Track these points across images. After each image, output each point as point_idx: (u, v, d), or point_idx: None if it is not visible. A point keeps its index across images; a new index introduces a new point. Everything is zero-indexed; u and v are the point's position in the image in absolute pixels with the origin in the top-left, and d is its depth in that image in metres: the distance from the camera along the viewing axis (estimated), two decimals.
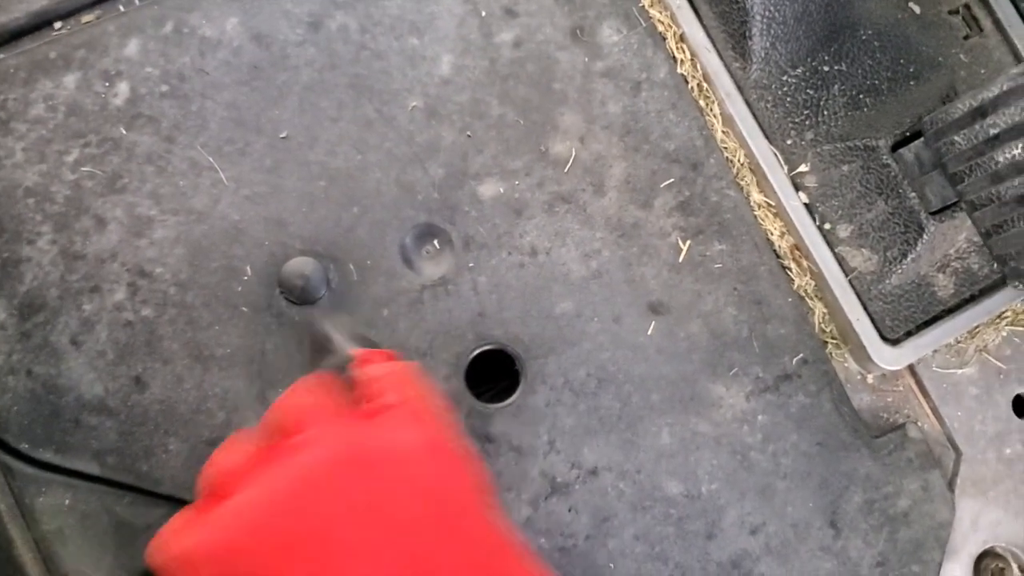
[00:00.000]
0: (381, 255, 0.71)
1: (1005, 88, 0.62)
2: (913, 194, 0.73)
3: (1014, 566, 0.74)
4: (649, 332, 0.73)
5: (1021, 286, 0.66)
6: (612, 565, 0.69)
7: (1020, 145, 0.62)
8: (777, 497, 0.72)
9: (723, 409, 0.73)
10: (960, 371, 0.76)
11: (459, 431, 0.67)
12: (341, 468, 0.39)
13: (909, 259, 0.74)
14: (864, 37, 0.80)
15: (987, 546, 0.74)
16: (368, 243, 0.71)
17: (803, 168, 0.77)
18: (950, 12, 0.84)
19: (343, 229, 0.71)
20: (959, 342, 0.77)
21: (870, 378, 0.76)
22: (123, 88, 0.71)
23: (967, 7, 0.84)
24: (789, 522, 0.72)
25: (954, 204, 0.72)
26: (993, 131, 0.63)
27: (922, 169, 0.72)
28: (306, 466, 0.39)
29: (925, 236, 0.73)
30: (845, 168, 0.76)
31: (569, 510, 0.70)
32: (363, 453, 0.40)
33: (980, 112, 0.64)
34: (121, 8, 0.74)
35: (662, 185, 0.75)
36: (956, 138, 0.66)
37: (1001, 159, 0.63)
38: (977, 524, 0.74)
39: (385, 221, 0.72)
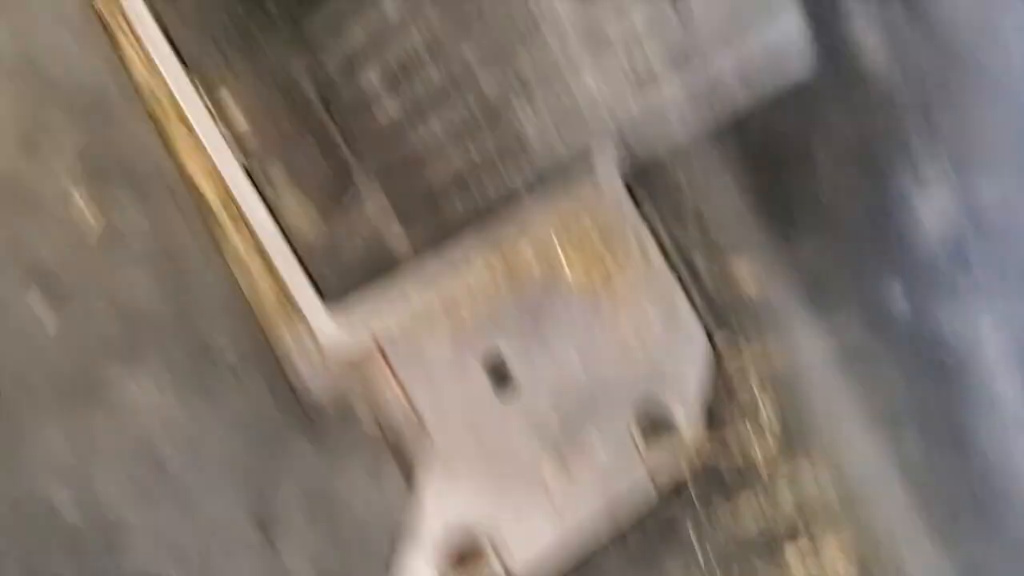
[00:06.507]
0: None
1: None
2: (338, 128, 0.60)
3: (490, 551, 0.66)
4: (43, 319, 0.61)
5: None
6: None
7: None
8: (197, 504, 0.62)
9: (132, 404, 0.61)
10: (431, 339, 0.65)
11: None
12: None
13: (352, 208, 0.62)
14: None
15: (457, 530, 0.65)
16: None
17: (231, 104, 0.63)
18: None
19: None
20: (429, 306, 0.65)
21: (328, 355, 0.65)
22: None
23: None
24: (210, 530, 0.62)
25: None
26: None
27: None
28: None
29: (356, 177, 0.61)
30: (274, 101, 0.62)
31: None
32: None
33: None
34: None
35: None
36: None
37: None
38: (445, 509, 0.65)
39: None
